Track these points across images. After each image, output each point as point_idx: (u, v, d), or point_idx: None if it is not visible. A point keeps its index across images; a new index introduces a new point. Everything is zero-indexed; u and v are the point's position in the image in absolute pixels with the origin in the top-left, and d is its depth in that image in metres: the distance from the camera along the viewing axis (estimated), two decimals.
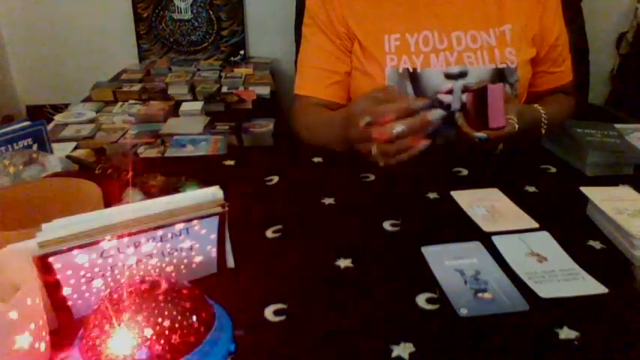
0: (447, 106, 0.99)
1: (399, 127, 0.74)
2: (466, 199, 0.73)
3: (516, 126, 0.85)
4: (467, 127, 0.87)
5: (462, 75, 0.99)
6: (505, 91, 0.87)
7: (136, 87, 1.54)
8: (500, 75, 1.00)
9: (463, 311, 0.52)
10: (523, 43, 1.02)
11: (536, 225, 0.67)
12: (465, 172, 0.84)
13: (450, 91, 0.98)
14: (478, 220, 0.68)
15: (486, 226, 0.67)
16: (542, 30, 1.04)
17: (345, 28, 1.03)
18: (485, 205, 0.72)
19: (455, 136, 0.91)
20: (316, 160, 0.89)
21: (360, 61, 1.03)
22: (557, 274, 0.57)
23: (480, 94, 0.85)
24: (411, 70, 0.99)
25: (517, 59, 1.00)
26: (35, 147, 0.79)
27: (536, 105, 0.99)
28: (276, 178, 0.82)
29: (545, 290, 0.54)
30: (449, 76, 0.99)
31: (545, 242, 0.63)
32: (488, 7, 1.02)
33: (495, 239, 0.63)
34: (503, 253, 0.61)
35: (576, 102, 1.15)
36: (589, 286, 0.55)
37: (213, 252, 0.56)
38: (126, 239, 0.48)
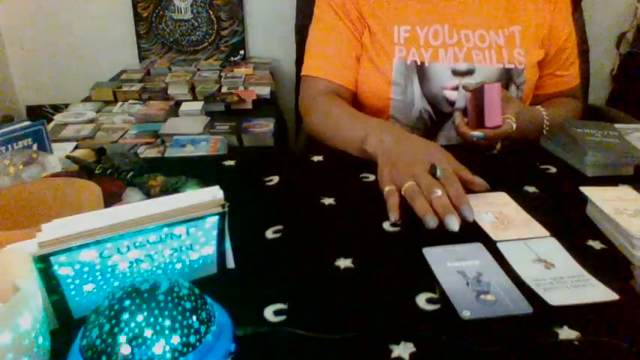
0: (452, 103, 0.99)
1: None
2: (473, 203, 0.72)
3: (514, 126, 0.85)
4: (463, 125, 0.87)
5: (469, 72, 0.99)
6: (503, 90, 0.87)
7: (136, 87, 1.54)
8: (507, 75, 0.99)
9: (466, 314, 0.51)
10: (532, 44, 1.02)
11: (547, 234, 0.65)
12: None
13: (456, 88, 0.98)
14: (487, 228, 0.66)
15: (496, 235, 0.65)
16: (551, 31, 1.04)
17: (358, 13, 1.03)
18: (494, 210, 0.70)
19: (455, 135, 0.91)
20: (316, 160, 0.89)
21: (369, 52, 1.02)
22: (566, 281, 0.56)
23: (477, 93, 0.85)
24: (418, 64, 0.99)
25: (525, 61, 1.00)
26: (35, 147, 0.79)
27: (538, 106, 0.99)
28: (276, 178, 0.82)
29: (555, 298, 0.53)
30: (456, 73, 0.99)
31: (552, 248, 0.62)
32: (498, 7, 1.02)
33: (501, 245, 0.63)
34: (509, 259, 0.60)
35: (583, 106, 1.14)
36: (599, 292, 0.55)
37: (214, 252, 0.56)
38: (126, 240, 0.48)
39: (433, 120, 1.03)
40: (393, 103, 1.01)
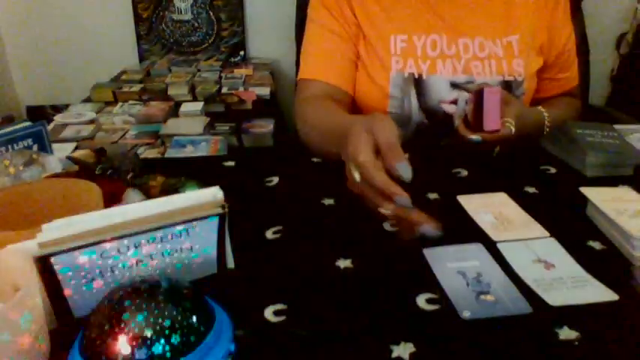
0: (449, 117, 0.97)
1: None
2: (473, 203, 0.72)
3: (513, 130, 0.84)
4: (463, 128, 0.86)
5: (468, 85, 0.97)
6: (505, 93, 0.87)
7: (136, 87, 1.54)
8: (507, 87, 0.97)
9: (466, 314, 0.51)
10: (530, 53, 1.00)
11: (546, 234, 0.65)
12: (464, 172, 0.84)
13: (454, 101, 0.96)
14: (486, 228, 0.66)
15: (495, 235, 0.65)
16: (550, 37, 1.02)
17: (354, 18, 1.00)
18: (493, 211, 0.70)
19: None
20: (316, 160, 0.89)
21: (364, 62, 1.00)
22: (566, 282, 0.56)
23: (477, 97, 0.85)
24: (416, 76, 0.97)
25: (524, 72, 0.98)
26: (35, 147, 0.79)
27: (539, 107, 0.98)
28: (276, 179, 0.82)
29: (555, 298, 0.53)
30: (455, 86, 0.97)
31: (552, 249, 0.62)
32: (496, 15, 0.99)
33: (501, 246, 0.63)
34: (509, 259, 0.60)
35: (582, 104, 1.14)
36: (599, 292, 0.55)
37: (214, 253, 0.56)
38: (126, 240, 0.48)
39: (432, 133, 1.00)
40: (391, 117, 0.99)
